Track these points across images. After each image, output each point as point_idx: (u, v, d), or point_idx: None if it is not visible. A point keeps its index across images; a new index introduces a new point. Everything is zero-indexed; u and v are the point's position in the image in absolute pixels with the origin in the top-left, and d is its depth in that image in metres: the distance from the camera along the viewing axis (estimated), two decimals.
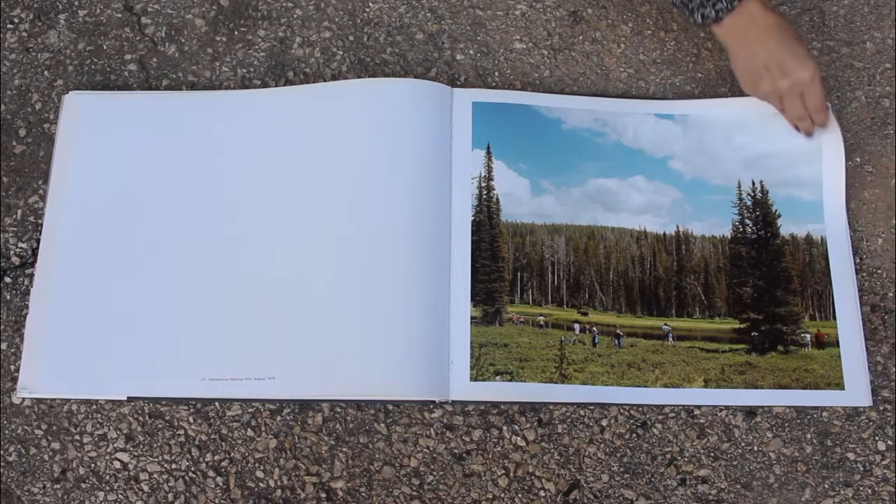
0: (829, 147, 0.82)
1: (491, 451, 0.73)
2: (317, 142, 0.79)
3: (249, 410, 0.73)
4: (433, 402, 0.73)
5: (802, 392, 0.74)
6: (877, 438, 0.73)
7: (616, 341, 0.77)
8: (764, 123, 0.83)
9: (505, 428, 0.73)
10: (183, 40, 0.86)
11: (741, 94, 0.84)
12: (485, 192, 0.80)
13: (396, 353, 0.72)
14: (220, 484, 0.71)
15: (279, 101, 0.81)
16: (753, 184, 0.82)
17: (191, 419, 0.73)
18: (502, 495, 0.71)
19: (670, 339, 0.78)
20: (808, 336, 0.77)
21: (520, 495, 0.71)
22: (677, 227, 0.81)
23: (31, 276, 0.75)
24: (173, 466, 0.71)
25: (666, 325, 0.79)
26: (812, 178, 0.82)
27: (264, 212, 0.77)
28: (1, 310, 0.76)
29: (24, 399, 0.73)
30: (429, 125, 0.79)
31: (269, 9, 0.87)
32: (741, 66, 0.78)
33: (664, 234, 0.82)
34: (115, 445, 0.72)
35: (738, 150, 0.83)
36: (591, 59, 0.86)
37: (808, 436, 0.74)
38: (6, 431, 0.72)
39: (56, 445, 0.72)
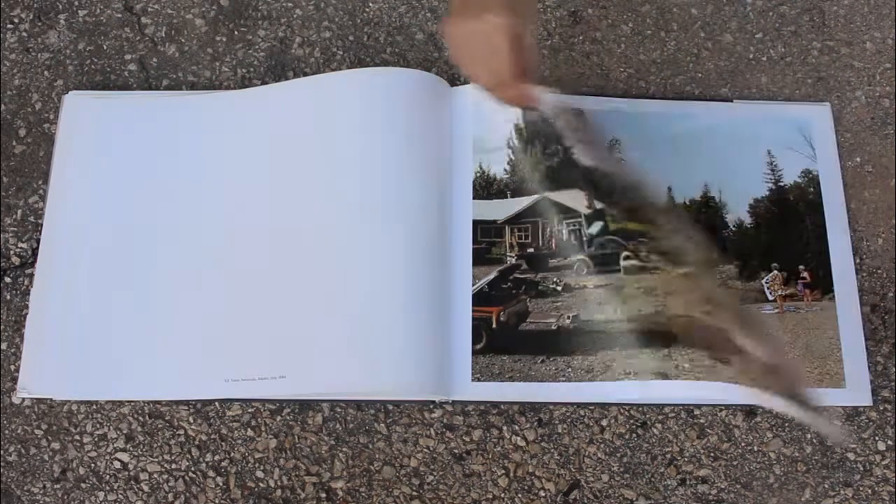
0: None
1: (491, 451, 0.73)
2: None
3: (249, 410, 0.73)
4: (433, 402, 0.73)
5: None
6: (877, 438, 0.73)
7: None
8: None
9: (505, 428, 0.73)
10: (183, 40, 0.86)
11: (741, 95, 0.84)
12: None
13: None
14: (220, 484, 0.71)
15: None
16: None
17: (191, 419, 0.73)
18: (502, 495, 0.71)
19: None
20: None
21: (520, 495, 0.71)
22: None
23: (31, 276, 0.75)
24: (173, 466, 0.71)
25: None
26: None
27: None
28: (1, 310, 0.76)
29: (23, 399, 0.73)
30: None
31: (269, 9, 0.87)
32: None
33: None
34: (115, 445, 0.72)
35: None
36: (591, 59, 0.86)
37: (808, 436, 0.74)
38: (6, 431, 0.72)
39: (56, 445, 0.72)
